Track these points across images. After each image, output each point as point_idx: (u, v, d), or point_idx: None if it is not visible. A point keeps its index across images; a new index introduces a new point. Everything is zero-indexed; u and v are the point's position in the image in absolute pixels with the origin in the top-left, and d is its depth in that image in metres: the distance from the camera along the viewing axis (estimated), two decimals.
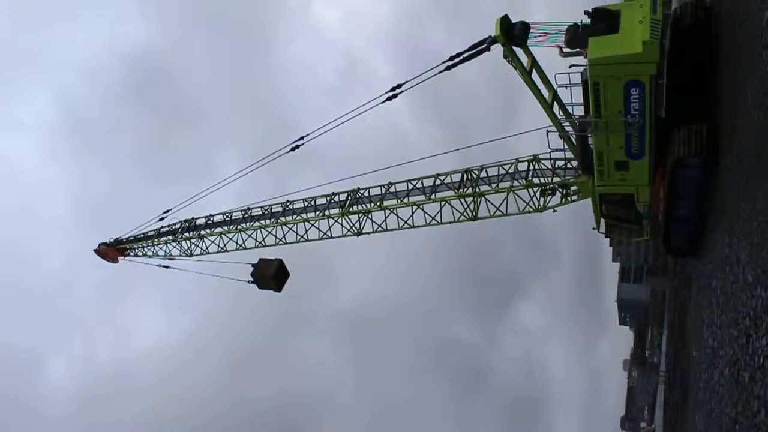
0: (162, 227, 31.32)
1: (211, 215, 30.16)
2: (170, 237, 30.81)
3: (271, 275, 28.62)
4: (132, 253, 32.51)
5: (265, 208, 28.60)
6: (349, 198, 26.28)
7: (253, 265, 28.98)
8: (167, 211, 30.34)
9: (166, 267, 32.15)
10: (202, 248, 29.96)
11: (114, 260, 32.72)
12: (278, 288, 29.19)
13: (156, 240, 31.33)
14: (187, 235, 30.37)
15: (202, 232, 29.84)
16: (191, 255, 30.42)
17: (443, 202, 24.11)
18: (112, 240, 32.32)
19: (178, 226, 30.87)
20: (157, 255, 31.76)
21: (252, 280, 29.06)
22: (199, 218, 30.48)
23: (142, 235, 31.85)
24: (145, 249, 31.99)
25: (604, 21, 18.67)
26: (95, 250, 32.45)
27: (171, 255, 31.26)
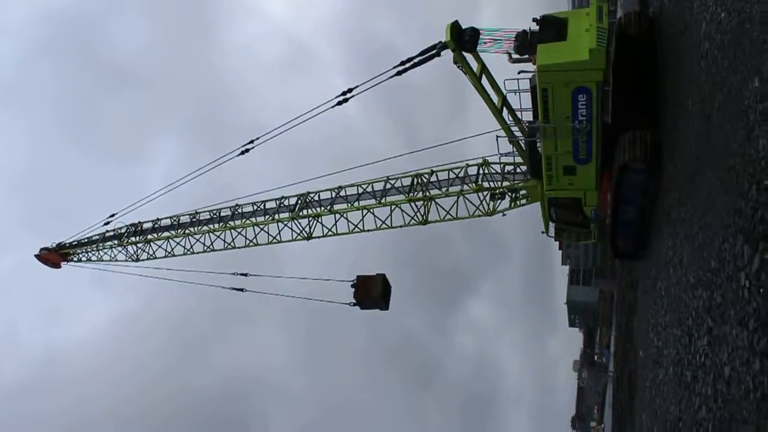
0: (107, 231, 30.43)
1: (158, 219, 29.46)
2: (116, 241, 29.94)
3: (379, 295, 25.60)
4: (76, 258, 31.46)
5: (214, 212, 28.09)
6: (299, 202, 26.04)
7: (352, 286, 25.86)
8: (113, 215, 29.50)
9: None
10: (149, 253, 29.20)
11: (56, 266, 31.59)
12: (386, 306, 26.28)
13: (101, 245, 30.41)
14: (133, 239, 29.55)
15: (149, 237, 29.09)
16: (137, 260, 29.62)
17: (393, 206, 24.13)
18: (54, 245, 31.22)
19: (124, 230, 30.03)
20: (102, 260, 30.84)
21: (355, 302, 25.93)
22: (146, 222, 29.72)
23: (86, 240, 30.89)
24: (90, 254, 31.01)
25: (552, 28, 18.99)
26: (36, 256, 31.23)
27: (116, 259, 30.40)
